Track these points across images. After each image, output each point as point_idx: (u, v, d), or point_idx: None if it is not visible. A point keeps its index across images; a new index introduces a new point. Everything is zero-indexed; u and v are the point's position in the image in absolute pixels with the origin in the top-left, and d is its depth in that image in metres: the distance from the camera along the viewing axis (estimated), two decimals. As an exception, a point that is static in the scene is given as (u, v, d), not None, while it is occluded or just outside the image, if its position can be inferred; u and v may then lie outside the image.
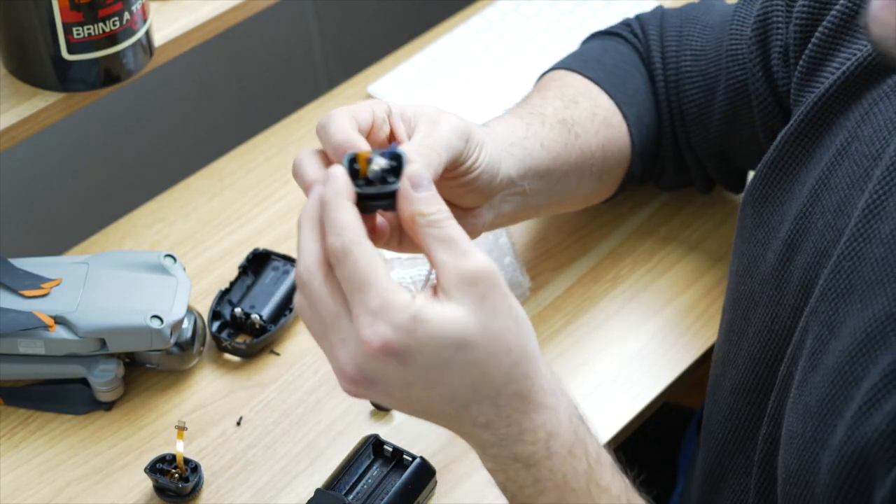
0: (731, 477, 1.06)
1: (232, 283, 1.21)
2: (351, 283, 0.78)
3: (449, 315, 0.77)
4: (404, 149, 0.84)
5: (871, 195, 0.90)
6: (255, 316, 1.17)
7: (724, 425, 1.07)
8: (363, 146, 0.85)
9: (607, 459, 0.84)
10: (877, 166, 0.91)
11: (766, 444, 0.99)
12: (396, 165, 0.82)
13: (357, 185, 0.81)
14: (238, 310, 1.18)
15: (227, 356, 1.18)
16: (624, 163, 1.19)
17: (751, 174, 1.23)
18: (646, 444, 1.36)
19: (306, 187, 0.86)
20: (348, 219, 0.78)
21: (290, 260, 1.22)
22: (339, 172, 0.80)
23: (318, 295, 0.79)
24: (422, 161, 0.85)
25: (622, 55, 1.22)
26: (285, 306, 1.20)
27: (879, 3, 0.76)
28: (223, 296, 1.19)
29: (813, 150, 0.99)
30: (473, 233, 1.06)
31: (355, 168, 0.82)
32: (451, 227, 0.79)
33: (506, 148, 1.05)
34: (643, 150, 1.20)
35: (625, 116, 1.18)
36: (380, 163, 0.82)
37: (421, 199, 0.79)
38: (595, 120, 1.16)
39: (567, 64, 1.22)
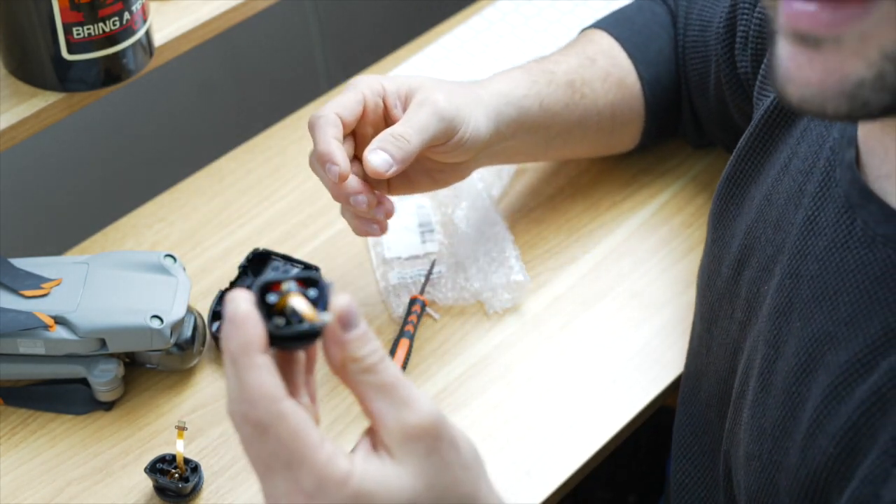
0: (701, 490, 1.07)
1: (232, 283, 1.21)
2: (278, 460, 0.68)
3: (393, 482, 0.69)
4: (323, 276, 0.72)
5: (806, 211, 0.89)
6: None
7: (692, 438, 1.08)
8: (341, 160, 0.86)
9: None
10: (809, 181, 0.91)
11: (726, 460, 1.00)
12: (318, 294, 0.70)
13: (272, 325, 0.69)
14: None
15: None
16: (637, 121, 1.26)
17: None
18: (639, 448, 1.36)
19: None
20: (260, 384, 0.67)
21: (290, 260, 1.22)
22: (244, 316, 0.68)
23: (250, 444, 0.70)
24: (382, 163, 0.84)
25: (655, 16, 1.27)
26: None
27: (792, 64, 0.71)
28: (223, 296, 1.19)
29: (762, 166, 1.00)
30: (461, 178, 1.16)
31: (270, 299, 0.69)
32: (388, 371, 0.70)
33: (499, 106, 1.13)
34: (656, 109, 1.26)
35: (640, 77, 1.24)
36: (297, 302, 0.69)
37: (351, 341, 0.69)
38: (608, 80, 1.23)
39: (601, 22, 1.28)
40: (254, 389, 0.67)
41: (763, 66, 1.06)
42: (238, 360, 0.68)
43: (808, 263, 0.88)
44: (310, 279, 0.70)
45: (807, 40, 0.70)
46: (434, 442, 0.70)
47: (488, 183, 1.32)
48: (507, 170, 1.34)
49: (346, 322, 0.70)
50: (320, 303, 0.70)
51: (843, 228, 0.85)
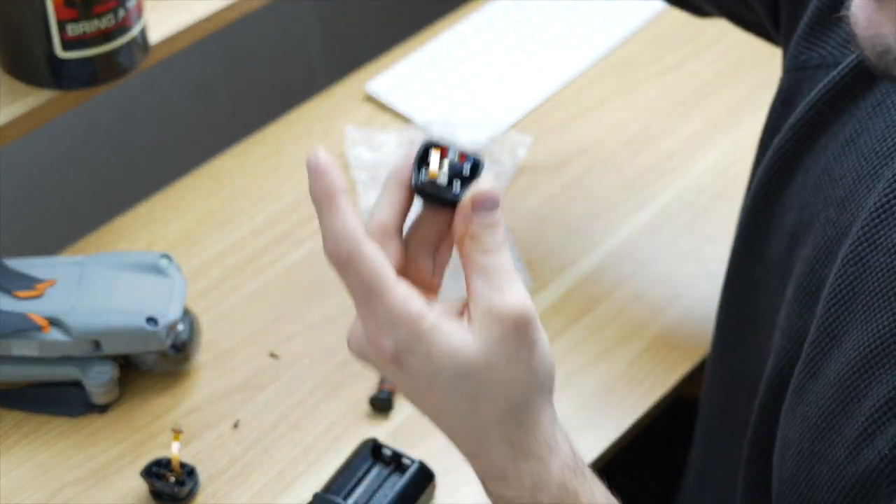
0: (721, 473, 1.05)
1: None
2: (357, 292, 0.74)
3: (458, 342, 0.74)
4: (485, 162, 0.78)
5: (881, 198, 0.86)
6: None
7: (716, 419, 1.06)
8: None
9: None
10: (888, 165, 0.87)
11: (752, 446, 0.98)
12: (471, 173, 0.76)
13: (419, 179, 0.76)
14: None
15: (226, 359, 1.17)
16: None
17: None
18: (658, 440, 1.34)
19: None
20: (341, 225, 0.74)
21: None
22: (325, 166, 0.75)
23: (341, 279, 0.77)
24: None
25: None
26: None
27: (859, 11, 0.73)
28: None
29: (819, 138, 0.96)
30: None
31: (428, 158, 0.77)
32: (497, 259, 0.75)
33: None
34: None
35: None
36: (449, 169, 0.76)
37: (476, 222, 0.75)
38: None
39: None
40: (335, 230, 0.74)
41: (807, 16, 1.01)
42: (321, 205, 0.74)
43: (878, 254, 0.85)
44: (472, 157, 0.76)
45: None
46: (511, 331, 0.73)
47: (488, 183, 1.31)
48: (507, 170, 1.33)
49: (478, 204, 0.75)
50: (469, 180, 0.76)
51: None
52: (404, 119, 1.40)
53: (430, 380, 0.75)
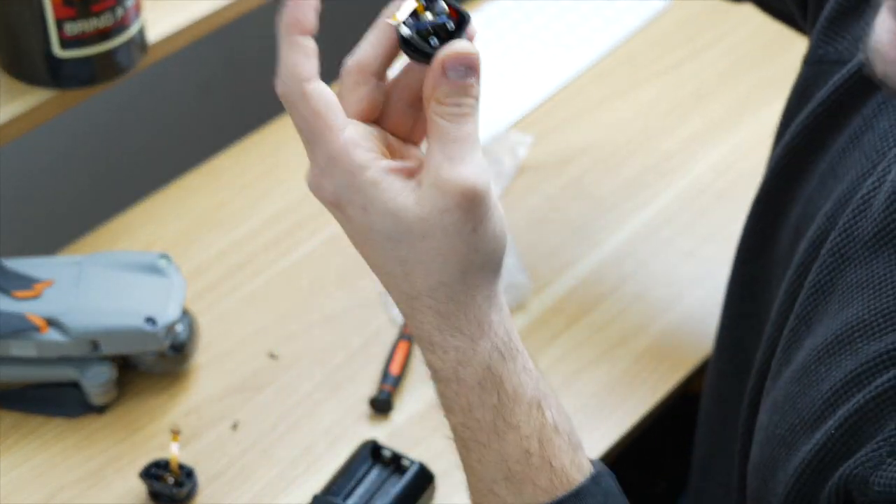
0: (720, 464, 1.05)
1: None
2: (302, 132, 0.73)
3: (397, 203, 0.72)
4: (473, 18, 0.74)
5: (866, 191, 0.87)
6: None
7: (714, 411, 1.06)
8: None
9: (532, 400, 0.78)
10: (881, 161, 0.88)
11: (742, 436, 0.98)
12: (455, 29, 0.72)
13: (398, 25, 0.73)
14: None
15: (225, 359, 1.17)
16: None
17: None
18: (668, 438, 1.34)
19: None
20: (292, 63, 0.73)
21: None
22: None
23: (289, 114, 0.76)
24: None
25: None
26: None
27: (887, 37, 0.71)
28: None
29: (828, 134, 0.96)
30: None
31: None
32: (460, 127, 0.72)
33: None
34: None
35: None
36: (430, 20, 0.72)
37: (444, 84, 0.71)
38: None
39: None
40: (286, 67, 0.73)
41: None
42: (282, 38, 0.73)
43: (856, 247, 0.86)
44: (461, 14, 0.72)
45: None
46: (456, 205, 0.71)
47: (488, 182, 1.31)
48: (507, 169, 1.33)
49: (450, 65, 0.71)
50: (451, 36, 0.72)
51: (891, 217, 0.83)
52: (404, 119, 1.39)
53: (364, 234, 0.73)
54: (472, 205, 0.71)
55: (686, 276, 1.25)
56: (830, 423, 0.82)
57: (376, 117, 0.75)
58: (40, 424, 1.12)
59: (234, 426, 1.13)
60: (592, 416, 1.14)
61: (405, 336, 1.17)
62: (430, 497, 1.08)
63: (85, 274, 1.13)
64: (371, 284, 1.23)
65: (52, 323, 1.09)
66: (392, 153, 0.75)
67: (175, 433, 1.06)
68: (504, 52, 1.46)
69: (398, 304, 0.76)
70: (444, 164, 0.71)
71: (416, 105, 0.75)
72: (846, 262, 0.86)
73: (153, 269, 1.14)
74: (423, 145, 0.76)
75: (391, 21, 0.72)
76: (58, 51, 1.15)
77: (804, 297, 0.89)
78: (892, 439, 0.78)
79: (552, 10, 1.50)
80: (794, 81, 1.02)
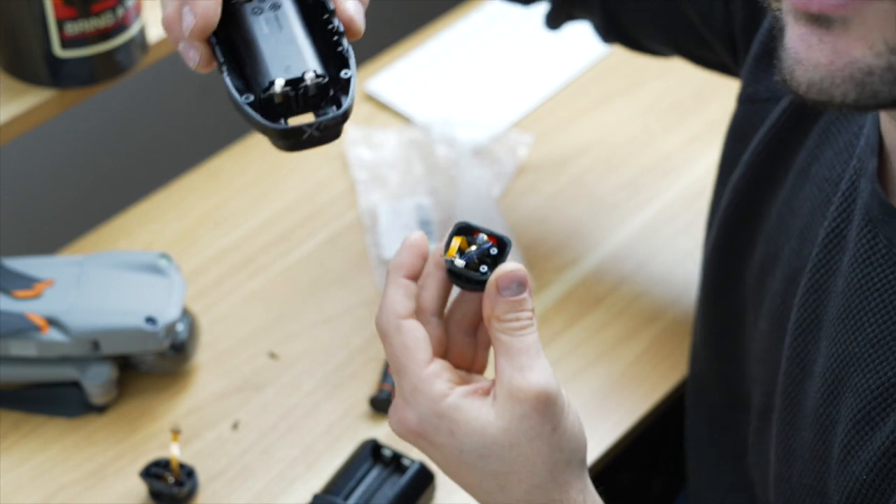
0: (720, 491, 1.06)
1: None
2: (392, 362, 0.78)
3: (481, 422, 0.76)
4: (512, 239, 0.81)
5: (831, 223, 0.87)
6: None
7: (707, 444, 1.06)
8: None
9: None
10: (836, 191, 0.88)
11: (749, 469, 0.98)
12: (498, 253, 0.78)
13: (451, 261, 0.78)
14: None
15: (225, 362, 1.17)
16: None
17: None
18: (663, 438, 1.34)
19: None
20: (391, 300, 0.78)
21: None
22: (408, 245, 0.79)
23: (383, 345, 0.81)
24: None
25: None
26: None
27: (802, 45, 0.71)
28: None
29: (779, 170, 0.97)
30: None
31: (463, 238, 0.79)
32: (522, 339, 0.77)
33: None
34: None
35: None
36: (476, 250, 0.78)
37: (501, 303, 0.76)
38: None
39: None
40: (386, 302, 0.78)
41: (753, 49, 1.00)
42: (388, 276, 0.79)
43: (835, 279, 0.86)
44: (501, 241, 0.78)
45: (818, 20, 0.71)
46: (533, 411, 0.75)
47: (489, 182, 1.31)
48: (507, 169, 1.33)
49: (503, 285, 0.76)
50: (496, 260, 0.78)
51: (865, 244, 0.83)
52: (404, 118, 1.39)
53: (456, 457, 0.77)
54: (547, 407, 0.75)
55: (686, 276, 1.25)
56: (856, 468, 0.82)
57: (443, 353, 0.80)
58: (40, 424, 1.12)
59: (235, 426, 1.13)
60: (592, 416, 1.14)
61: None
62: (430, 497, 1.07)
63: (85, 274, 1.13)
64: (371, 284, 1.23)
65: (52, 323, 1.09)
66: (462, 383, 0.79)
67: (175, 433, 1.06)
68: (504, 52, 1.46)
69: None
70: (515, 375, 0.76)
71: (473, 333, 0.80)
72: (825, 297, 0.86)
73: (153, 269, 1.14)
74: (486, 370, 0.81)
75: (445, 258, 0.78)
76: (58, 51, 1.15)
77: (792, 338, 0.89)
78: None
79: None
80: (729, 122, 1.02)
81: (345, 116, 0.72)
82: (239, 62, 0.73)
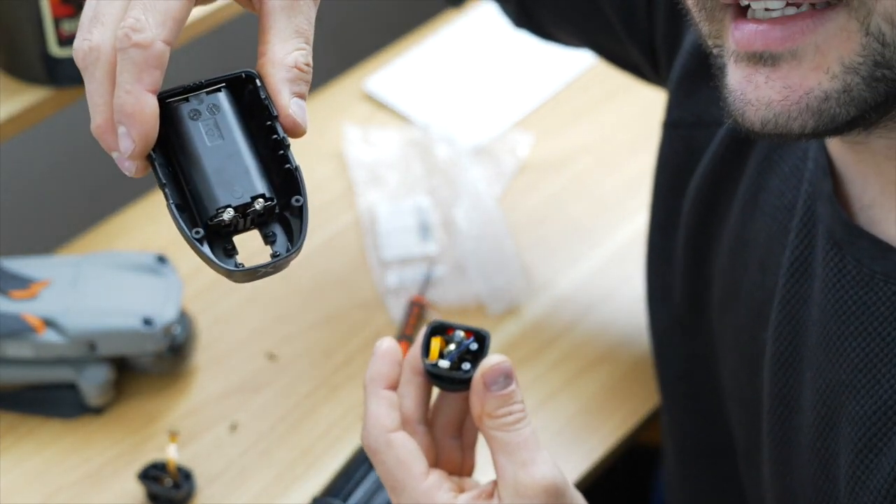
0: None
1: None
2: (385, 480, 0.78)
3: None
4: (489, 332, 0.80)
5: (793, 251, 0.84)
6: None
7: (682, 475, 1.05)
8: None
9: None
10: (792, 218, 0.85)
11: None
12: (478, 348, 0.78)
13: (433, 365, 0.78)
14: None
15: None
16: None
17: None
18: (618, 484, 1.33)
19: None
20: (376, 414, 0.78)
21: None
22: (383, 353, 0.79)
23: (372, 463, 0.80)
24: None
25: None
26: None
27: (749, 86, 0.70)
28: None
29: (718, 203, 0.93)
30: None
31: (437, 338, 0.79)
32: (519, 433, 0.76)
33: None
34: None
35: None
36: (456, 349, 0.78)
37: (491, 400, 0.76)
38: None
39: None
40: (371, 417, 0.78)
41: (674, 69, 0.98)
42: (367, 389, 0.79)
43: (807, 308, 0.83)
44: (479, 335, 0.78)
45: (762, 59, 0.69)
46: (544, 502, 0.75)
47: (489, 182, 1.30)
48: (508, 169, 1.33)
49: (490, 381, 0.76)
50: (478, 355, 0.78)
51: (834, 267, 0.80)
52: (403, 118, 1.39)
53: None
54: (557, 500, 0.75)
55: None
56: (866, 499, 0.80)
57: (434, 461, 0.79)
58: (37, 426, 1.12)
59: (233, 427, 1.12)
60: (592, 419, 1.13)
61: (405, 336, 1.16)
62: (430, 499, 1.07)
63: (82, 274, 1.12)
64: (370, 285, 1.23)
65: (48, 323, 1.09)
66: (460, 491, 0.78)
67: (173, 434, 1.06)
68: (504, 51, 1.45)
69: None
70: (519, 471, 0.75)
71: (458, 436, 0.80)
72: (802, 326, 0.83)
73: (150, 270, 1.13)
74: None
75: (427, 362, 0.77)
76: (55, 49, 1.15)
77: (772, 374, 0.86)
78: None
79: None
80: (657, 148, 1.00)
81: (298, 251, 0.67)
82: (180, 175, 0.67)
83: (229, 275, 0.66)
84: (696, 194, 0.94)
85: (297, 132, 0.68)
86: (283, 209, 0.67)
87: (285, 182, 0.67)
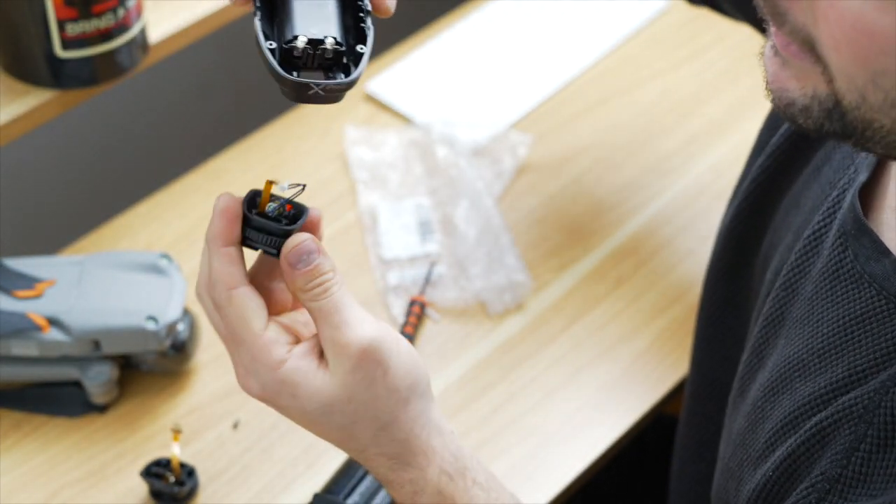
0: (699, 486, 1.06)
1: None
2: (228, 333, 0.80)
3: (318, 382, 0.79)
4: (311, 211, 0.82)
5: (814, 227, 0.87)
6: None
7: (686, 430, 1.06)
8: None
9: None
10: (829, 196, 0.88)
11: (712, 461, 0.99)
12: (289, 226, 0.80)
13: (251, 222, 0.80)
14: None
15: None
16: None
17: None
18: (647, 453, 1.34)
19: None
20: (220, 270, 0.80)
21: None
22: (222, 211, 0.81)
23: (211, 318, 0.82)
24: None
25: None
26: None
27: (770, 64, 0.73)
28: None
29: (793, 165, 0.97)
30: None
31: (257, 201, 0.82)
32: (329, 300, 0.79)
33: None
34: None
35: None
36: (273, 220, 0.80)
37: (298, 277, 0.79)
38: None
39: None
40: (214, 273, 0.80)
41: None
42: (209, 246, 0.81)
43: (804, 282, 0.86)
44: (297, 207, 0.80)
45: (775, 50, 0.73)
46: (359, 361, 0.78)
47: (489, 182, 1.31)
48: (507, 169, 1.33)
49: (294, 261, 0.79)
50: (289, 231, 0.79)
51: (836, 255, 0.83)
52: (404, 118, 1.39)
53: (303, 416, 0.81)
54: (372, 355, 0.78)
55: (686, 275, 1.25)
56: (769, 464, 0.84)
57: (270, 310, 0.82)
58: (41, 424, 1.12)
59: (235, 425, 1.13)
60: (592, 416, 1.14)
61: (405, 335, 1.16)
62: (431, 496, 1.07)
63: (86, 274, 1.13)
64: (371, 284, 1.23)
65: (53, 322, 1.09)
66: (296, 340, 0.81)
67: (176, 432, 1.06)
68: (504, 52, 1.46)
69: (355, 459, 0.84)
70: (334, 333, 0.78)
71: (281, 278, 0.82)
72: (794, 296, 0.86)
73: (154, 269, 1.14)
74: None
75: (246, 230, 0.80)
76: (59, 51, 1.15)
77: (758, 329, 0.90)
78: (818, 485, 0.79)
79: (552, 11, 1.50)
80: (770, 109, 1.02)
81: (350, 85, 0.75)
82: (271, 10, 0.77)
83: (283, 81, 0.74)
84: (774, 150, 0.98)
85: (382, 8, 0.78)
86: (349, 58, 0.76)
87: (357, 41, 0.76)
